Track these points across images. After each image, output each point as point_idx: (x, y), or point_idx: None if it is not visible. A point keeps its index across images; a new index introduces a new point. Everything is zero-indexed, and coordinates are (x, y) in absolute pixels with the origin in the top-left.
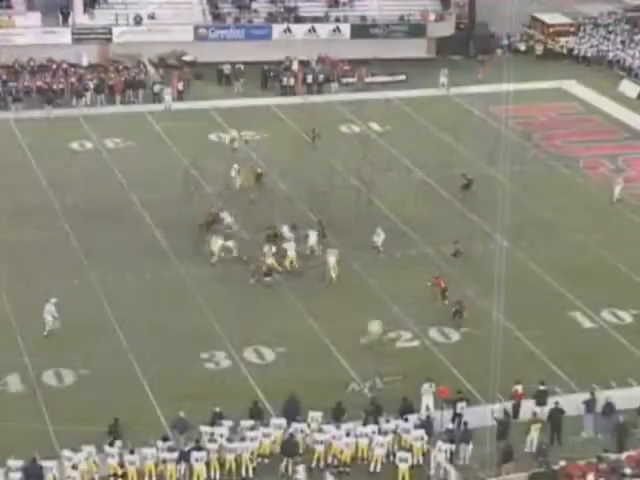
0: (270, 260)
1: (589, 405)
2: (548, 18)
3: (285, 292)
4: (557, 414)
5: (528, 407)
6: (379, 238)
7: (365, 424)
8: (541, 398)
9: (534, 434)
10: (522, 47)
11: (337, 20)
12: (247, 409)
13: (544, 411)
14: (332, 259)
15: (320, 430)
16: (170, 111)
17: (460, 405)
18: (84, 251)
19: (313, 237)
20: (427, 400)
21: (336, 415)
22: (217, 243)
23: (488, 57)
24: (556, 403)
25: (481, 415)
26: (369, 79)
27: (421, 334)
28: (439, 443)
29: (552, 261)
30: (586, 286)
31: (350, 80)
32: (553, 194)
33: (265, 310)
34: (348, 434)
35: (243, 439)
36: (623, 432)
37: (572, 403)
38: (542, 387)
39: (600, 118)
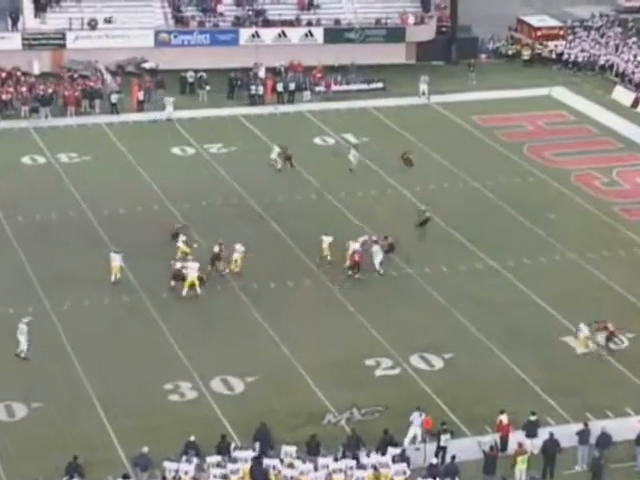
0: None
1: (582, 436)
2: (535, 21)
3: (256, 318)
4: (552, 446)
5: (518, 439)
6: (377, 259)
7: (339, 459)
8: (531, 429)
9: (521, 466)
10: (508, 52)
11: (309, 24)
12: (215, 444)
13: (534, 443)
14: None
15: (290, 465)
16: (172, 121)
17: (444, 437)
18: (37, 275)
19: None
20: (415, 430)
21: (311, 449)
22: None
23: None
24: (550, 434)
25: (467, 448)
26: (343, 87)
27: (402, 361)
28: None
29: (542, 282)
30: (579, 309)
31: (323, 89)
32: (543, 210)
33: (234, 337)
34: (316, 468)
35: (210, 477)
36: (598, 467)
37: (565, 434)
38: (532, 417)
39: (592, 127)
